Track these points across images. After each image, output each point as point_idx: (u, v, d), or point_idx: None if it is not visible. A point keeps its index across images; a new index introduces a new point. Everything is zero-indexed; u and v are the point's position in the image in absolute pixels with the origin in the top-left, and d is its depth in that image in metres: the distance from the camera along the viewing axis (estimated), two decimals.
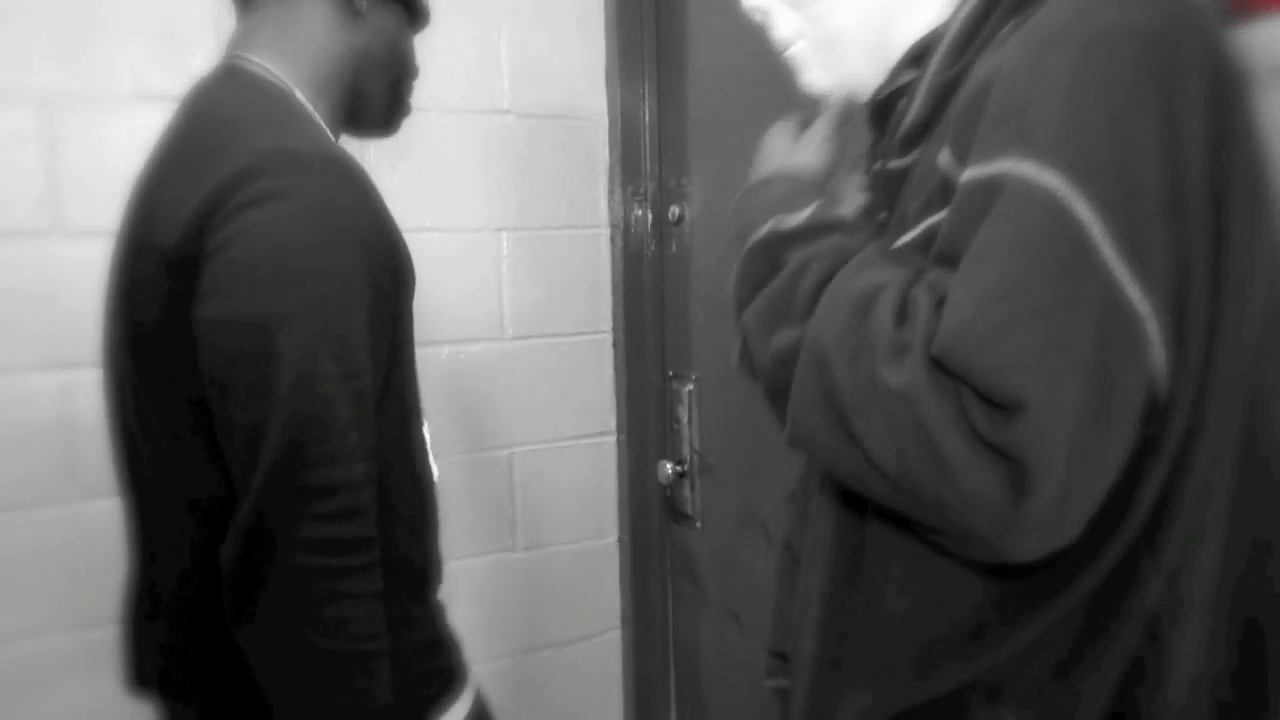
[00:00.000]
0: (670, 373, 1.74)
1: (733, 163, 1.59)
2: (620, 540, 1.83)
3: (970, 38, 0.65)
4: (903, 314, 0.58)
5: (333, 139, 0.92)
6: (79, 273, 1.35)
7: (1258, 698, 0.63)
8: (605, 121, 1.71)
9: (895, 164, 0.70)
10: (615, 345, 1.78)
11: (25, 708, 1.40)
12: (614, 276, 1.76)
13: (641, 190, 1.71)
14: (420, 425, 0.97)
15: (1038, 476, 0.53)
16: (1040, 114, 0.55)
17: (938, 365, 0.55)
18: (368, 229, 0.84)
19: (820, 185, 0.72)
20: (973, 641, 0.65)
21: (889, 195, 0.70)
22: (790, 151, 0.75)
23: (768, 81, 1.52)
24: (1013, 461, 0.53)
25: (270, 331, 0.77)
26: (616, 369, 1.78)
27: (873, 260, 0.64)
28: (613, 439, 1.80)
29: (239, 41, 0.93)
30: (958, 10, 0.67)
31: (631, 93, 1.69)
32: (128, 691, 0.97)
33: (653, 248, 1.73)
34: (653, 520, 1.79)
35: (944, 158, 0.61)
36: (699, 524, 1.72)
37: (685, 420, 1.72)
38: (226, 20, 0.96)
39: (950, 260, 0.57)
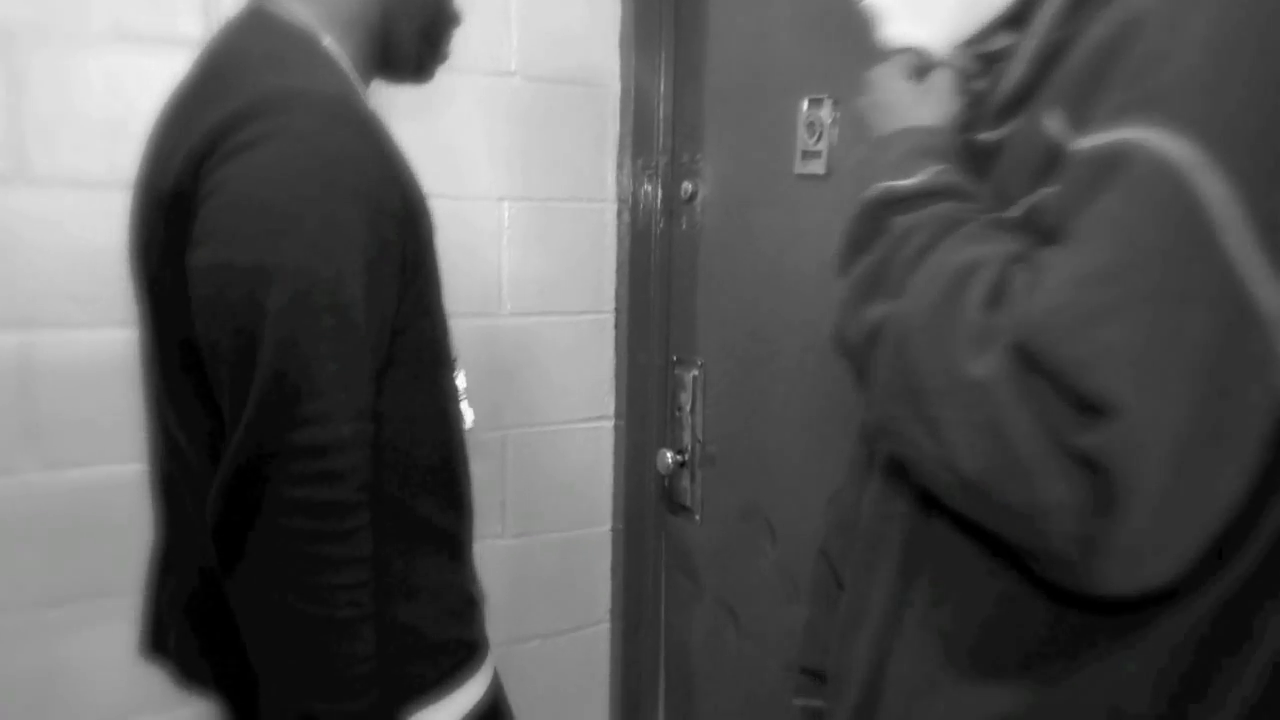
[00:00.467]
0: (674, 357, 1.66)
1: (750, 140, 1.52)
2: (614, 530, 1.75)
3: None
4: (996, 296, 0.51)
5: (352, 82, 0.87)
6: (41, 223, 1.25)
7: None
8: (617, 89, 1.61)
9: (988, 136, 0.62)
10: (617, 326, 1.69)
11: None
12: (619, 254, 1.67)
13: (653, 164, 1.62)
14: (452, 374, 0.93)
15: (1127, 493, 0.45)
16: (1175, 74, 0.47)
17: (1022, 355, 0.48)
18: (370, 174, 0.78)
19: (945, 147, 0.64)
20: (1034, 675, 0.58)
21: (978, 169, 0.62)
22: (912, 106, 0.67)
23: (792, 54, 1.44)
24: (1099, 473, 0.46)
25: (256, 282, 0.74)
26: (618, 351, 1.70)
27: (979, 234, 0.56)
28: (610, 424, 1.72)
29: None
30: None
31: (647, 60, 1.60)
32: (143, 657, 0.96)
33: (661, 225, 1.64)
34: (649, 510, 1.72)
35: (1054, 124, 0.53)
36: (698, 516, 1.64)
37: (688, 408, 1.64)
38: None
39: (1055, 239, 0.50)
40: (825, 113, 1.31)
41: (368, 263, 0.77)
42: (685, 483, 1.66)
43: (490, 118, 1.54)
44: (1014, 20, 0.62)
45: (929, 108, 0.66)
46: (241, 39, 0.86)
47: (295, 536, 0.75)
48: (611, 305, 1.69)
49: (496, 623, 1.66)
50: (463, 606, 0.93)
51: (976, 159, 0.63)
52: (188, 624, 0.92)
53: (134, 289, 0.90)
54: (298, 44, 0.84)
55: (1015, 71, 0.60)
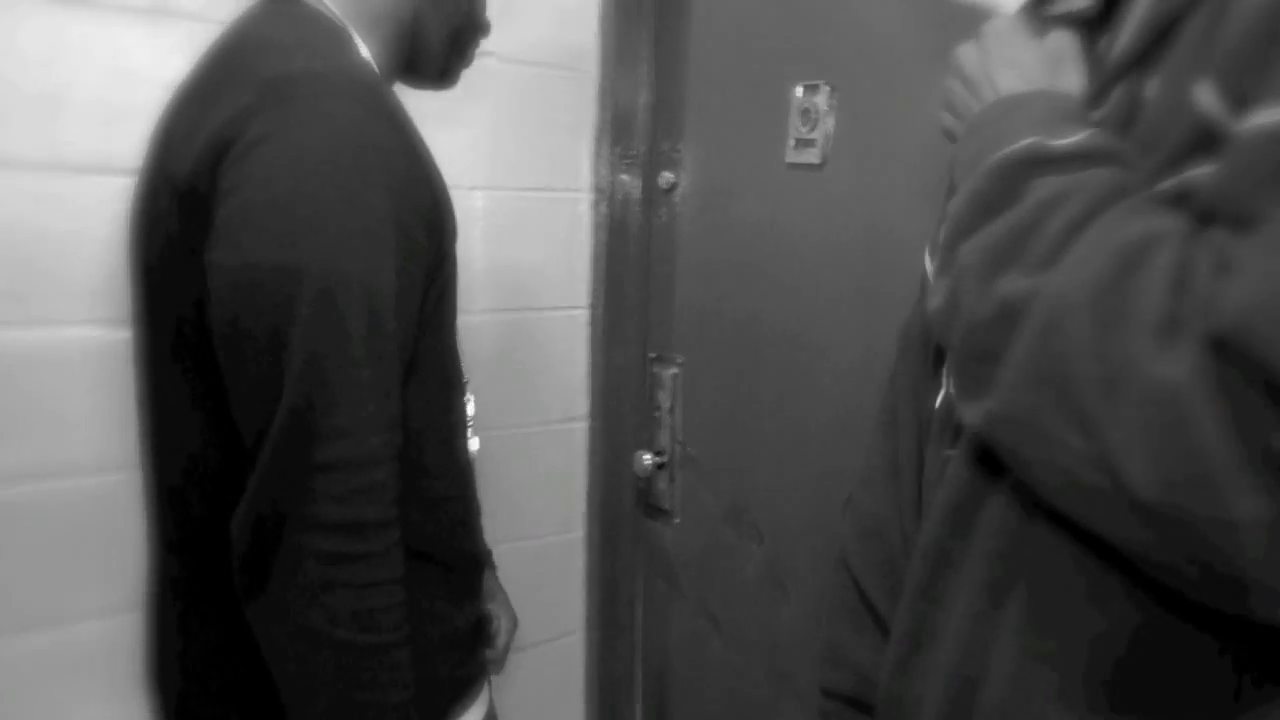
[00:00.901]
0: (652, 355, 1.59)
1: (736, 127, 1.46)
2: (589, 535, 1.68)
3: None
4: (1182, 281, 0.44)
5: (374, 69, 0.83)
6: None
7: None
8: (596, 74, 1.54)
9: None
10: (593, 322, 1.62)
11: None
12: (595, 247, 1.59)
13: (632, 152, 1.55)
14: (462, 399, 0.88)
15: None
16: None
17: (1220, 351, 0.42)
18: (399, 168, 0.73)
19: (1084, 113, 0.57)
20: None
21: None
22: (1042, 66, 0.60)
23: (783, 38, 1.39)
24: None
25: (282, 284, 0.69)
26: (593, 349, 1.62)
27: (1147, 207, 0.49)
28: (585, 425, 1.65)
29: None
30: None
31: (627, 43, 1.52)
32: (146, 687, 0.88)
33: (640, 217, 1.57)
34: (625, 514, 1.65)
35: (1207, 97, 0.48)
36: (677, 520, 1.58)
37: (667, 407, 1.57)
38: None
39: (1237, 223, 0.44)
40: (821, 99, 1.26)
41: (398, 263, 0.72)
42: (664, 485, 1.59)
43: (463, 101, 1.44)
44: None
45: (1065, 70, 0.60)
46: (265, 24, 0.80)
47: (327, 558, 0.69)
48: (586, 301, 1.61)
49: None
50: (459, 637, 0.89)
51: None
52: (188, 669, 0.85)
53: (129, 279, 0.84)
54: (324, 30, 0.80)
55: (1123, 39, 0.54)
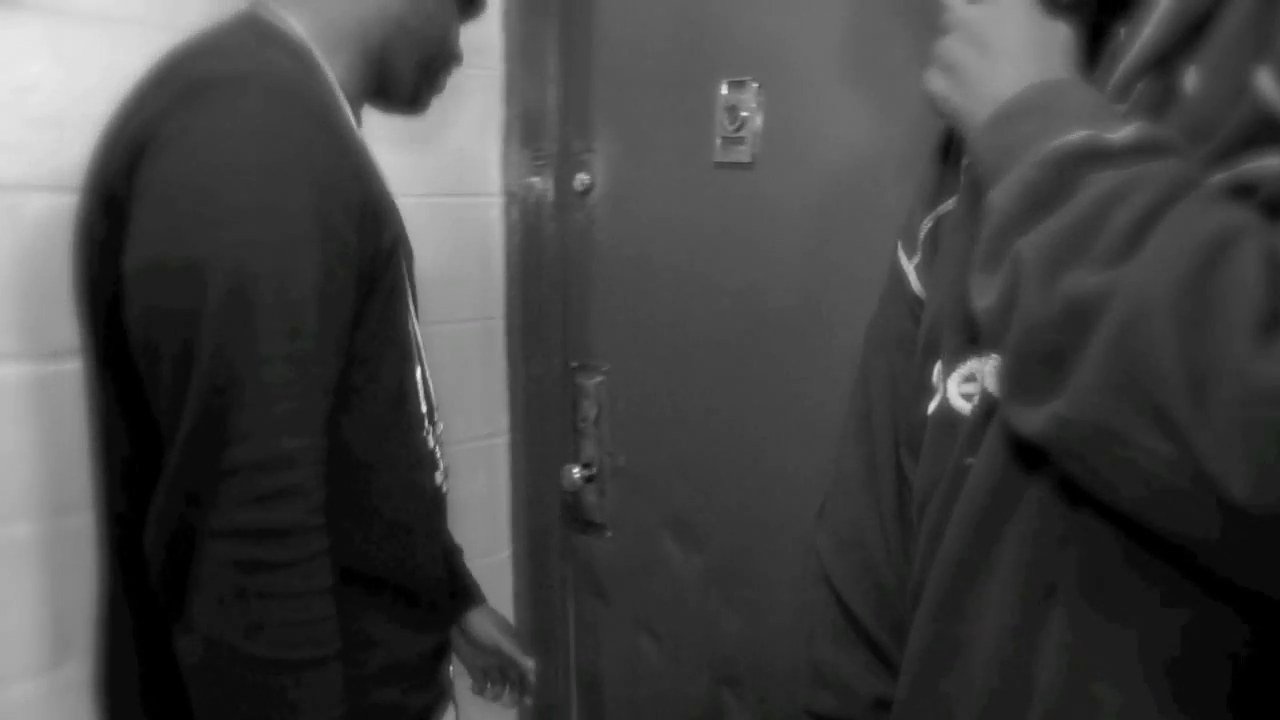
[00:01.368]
0: (574, 364, 1.52)
1: (656, 126, 1.40)
2: (514, 555, 1.60)
3: None
4: (1275, 277, 0.42)
5: (333, 86, 0.81)
6: None
7: None
8: (501, 69, 1.45)
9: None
10: (509, 333, 1.54)
11: None
12: (508, 254, 1.51)
13: (543, 153, 1.48)
14: (417, 415, 0.84)
15: None
16: None
17: None
18: (323, 166, 0.71)
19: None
20: None
21: None
22: (1047, 52, 0.57)
23: (707, 31, 1.34)
24: None
25: (190, 281, 0.67)
26: (511, 360, 1.55)
27: (1217, 200, 0.47)
28: (505, 440, 1.57)
29: None
30: None
31: (532, 37, 1.44)
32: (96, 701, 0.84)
33: (554, 221, 1.50)
34: (552, 531, 1.58)
35: (1266, 85, 0.46)
36: (609, 533, 1.53)
37: (592, 417, 1.51)
38: None
39: None
40: (749, 96, 1.23)
41: (322, 261, 0.70)
42: (594, 498, 1.53)
43: None
44: None
45: (1049, 57, 0.57)
46: (216, 36, 0.78)
47: (237, 567, 0.67)
48: (501, 310, 1.53)
49: None
50: (400, 666, 0.85)
51: None
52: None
53: (74, 295, 0.81)
54: (280, 46, 0.78)
55: (1148, 31, 0.53)
